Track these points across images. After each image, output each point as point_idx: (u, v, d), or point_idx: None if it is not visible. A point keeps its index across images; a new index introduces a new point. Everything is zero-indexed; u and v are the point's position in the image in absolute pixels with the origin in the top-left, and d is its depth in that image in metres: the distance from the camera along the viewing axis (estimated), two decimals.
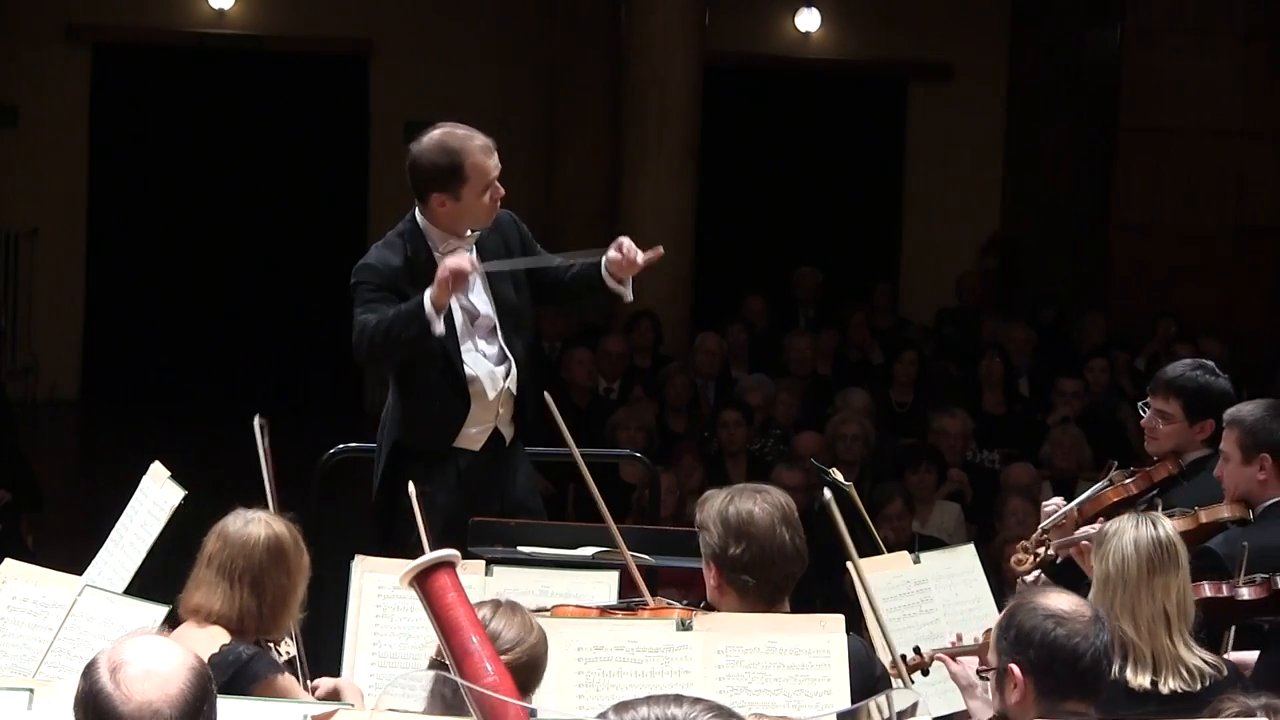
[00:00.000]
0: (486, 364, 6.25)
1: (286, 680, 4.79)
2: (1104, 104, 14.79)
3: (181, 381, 15.53)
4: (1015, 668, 4.04)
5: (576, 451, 5.32)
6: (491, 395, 6.23)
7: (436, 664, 4.12)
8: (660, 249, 6.12)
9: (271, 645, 4.99)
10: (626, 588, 5.33)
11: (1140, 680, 4.88)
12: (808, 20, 15.99)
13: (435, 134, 6.16)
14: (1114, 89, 14.72)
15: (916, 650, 5.10)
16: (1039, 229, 15.37)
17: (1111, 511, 6.25)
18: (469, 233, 6.20)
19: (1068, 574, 6.01)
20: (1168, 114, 14.48)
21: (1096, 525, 6.03)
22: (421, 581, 3.34)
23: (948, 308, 14.77)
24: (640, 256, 6.09)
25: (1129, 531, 5.05)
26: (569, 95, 14.57)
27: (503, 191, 6.17)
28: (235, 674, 4.64)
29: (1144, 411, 6.34)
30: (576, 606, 4.84)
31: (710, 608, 4.75)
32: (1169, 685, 4.87)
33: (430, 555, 3.37)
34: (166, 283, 15.65)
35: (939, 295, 15.00)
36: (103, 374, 15.63)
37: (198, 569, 4.94)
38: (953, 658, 5.00)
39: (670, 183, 12.67)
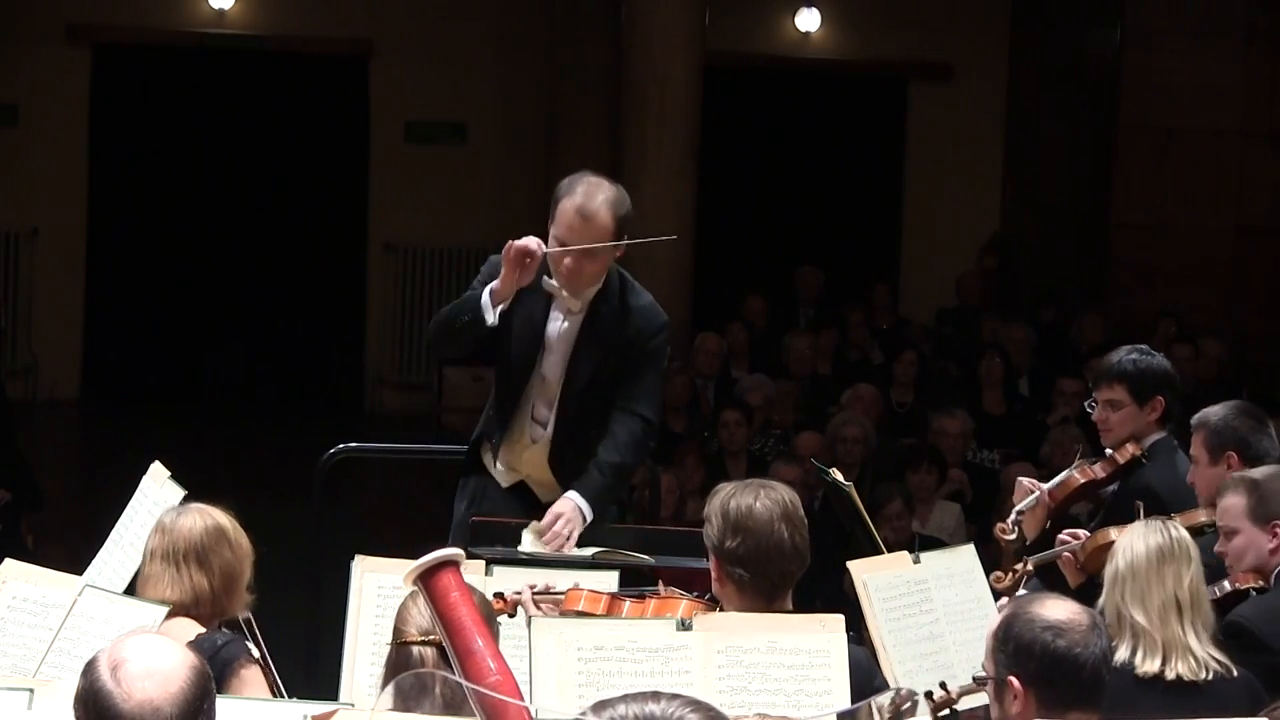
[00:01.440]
0: (527, 418, 6.19)
1: (253, 672, 4.84)
2: (1104, 104, 14.79)
3: (181, 382, 15.54)
4: (1015, 681, 4.01)
5: None
6: (519, 441, 6.21)
7: (395, 649, 4.13)
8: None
9: (236, 636, 5.05)
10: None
11: (1147, 667, 4.90)
12: (808, 20, 15.99)
13: (590, 175, 6.03)
14: (1114, 89, 14.72)
15: (943, 685, 5.06)
16: (1039, 229, 15.37)
17: (1078, 495, 6.31)
18: (574, 297, 6.04)
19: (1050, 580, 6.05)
20: (1168, 114, 14.49)
21: (1075, 537, 6.05)
22: (425, 580, 3.34)
23: (948, 308, 14.77)
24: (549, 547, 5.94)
25: (1138, 531, 5.10)
26: (569, 95, 14.57)
27: (573, 267, 5.93)
28: (211, 658, 4.68)
29: (1091, 409, 6.38)
30: (590, 592, 4.88)
31: (715, 600, 4.78)
32: (1175, 671, 4.89)
33: (434, 555, 3.36)
34: (166, 283, 15.66)
35: (939, 295, 15.00)
36: (103, 374, 15.64)
37: (143, 566, 5.04)
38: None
39: (670, 182, 12.66)
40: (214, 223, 15.71)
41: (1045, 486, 6.31)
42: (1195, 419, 6.02)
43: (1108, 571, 5.06)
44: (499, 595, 5.03)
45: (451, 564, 3.35)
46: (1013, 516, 6.26)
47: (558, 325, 6.12)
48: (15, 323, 15.37)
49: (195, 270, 15.69)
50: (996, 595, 5.73)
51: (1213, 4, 14.53)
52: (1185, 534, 5.10)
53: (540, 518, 6.00)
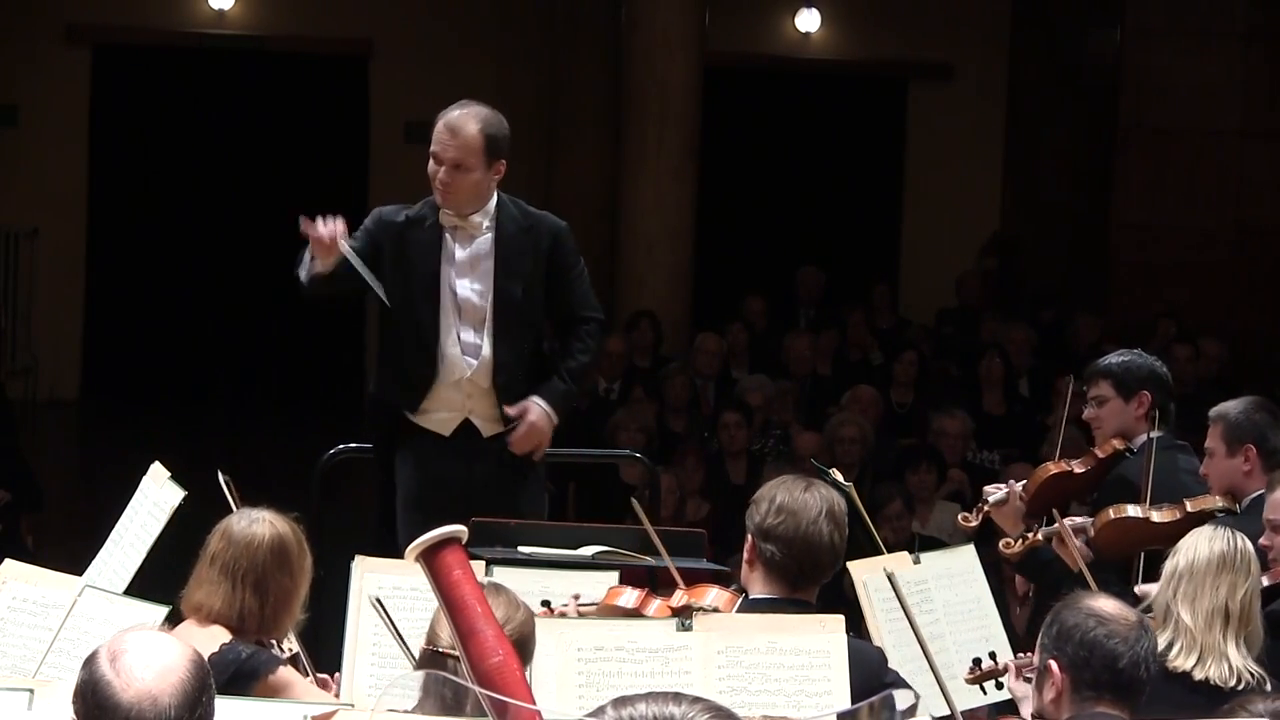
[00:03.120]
0: (456, 349, 6.34)
1: (287, 673, 4.79)
2: (1104, 104, 14.79)
3: (181, 381, 15.53)
4: (1053, 664, 4.07)
5: (655, 534, 5.38)
6: (450, 379, 6.32)
7: (428, 654, 4.12)
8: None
9: (274, 644, 4.99)
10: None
11: (1179, 663, 4.94)
12: (808, 20, 15.99)
13: (471, 101, 6.41)
14: (1114, 89, 14.72)
15: (992, 655, 5.09)
16: (1039, 229, 15.37)
17: (1050, 485, 6.32)
18: (469, 216, 6.31)
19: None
20: (1168, 114, 14.48)
21: (1083, 519, 6.07)
22: (428, 558, 3.32)
23: (948, 308, 14.77)
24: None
25: (1206, 533, 5.15)
26: (569, 95, 14.57)
27: (444, 179, 6.29)
28: (235, 672, 4.64)
29: (1085, 410, 6.44)
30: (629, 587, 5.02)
31: (742, 589, 4.82)
32: (1206, 673, 4.93)
33: (437, 531, 3.34)
34: (166, 282, 15.65)
35: (939, 295, 15.00)
36: (103, 374, 15.63)
37: (200, 567, 4.93)
38: (1018, 670, 5.01)
39: (670, 183, 12.67)
40: (214, 222, 15.71)
41: (1018, 483, 6.35)
42: (1213, 412, 6.07)
43: (1167, 567, 5.12)
44: (546, 604, 5.06)
45: (454, 541, 3.33)
46: (978, 503, 6.32)
47: (465, 250, 6.35)
48: (15, 323, 15.36)
49: (195, 270, 15.69)
50: (1005, 561, 5.77)
51: (1213, 4, 14.53)
52: (1249, 546, 5.13)
53: (487, 472, 6.29)
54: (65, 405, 15.42)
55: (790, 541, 4.71)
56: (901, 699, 3.89)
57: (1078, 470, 6.34)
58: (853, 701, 4.31)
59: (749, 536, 4.80)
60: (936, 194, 15.98)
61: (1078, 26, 15.20)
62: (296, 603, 4.95)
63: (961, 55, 15.89)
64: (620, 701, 2.51)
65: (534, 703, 3.21)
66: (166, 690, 3.16)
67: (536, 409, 6.28)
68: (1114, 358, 6.44)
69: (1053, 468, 6.35)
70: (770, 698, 4.31)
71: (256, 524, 4.93)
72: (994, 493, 6.32)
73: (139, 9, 15.39)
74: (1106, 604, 4.17)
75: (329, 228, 6.13)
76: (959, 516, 6.49)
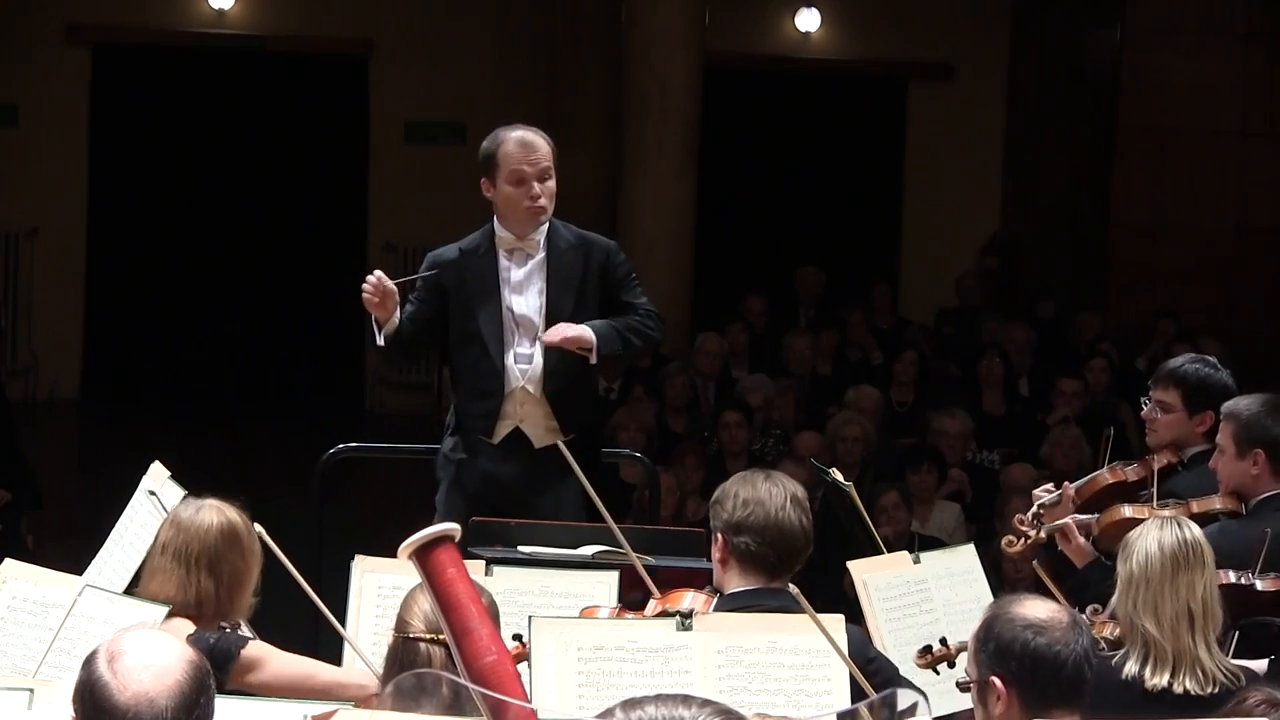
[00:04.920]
0: (511, 360, 6.49)
1: (258, 646, 4.88)
2: (1104, 104, 14.79)
3: (181, 381, 15.54)
4: (997, 680, 4.01)
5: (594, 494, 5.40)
6: (509, 391, 6.47)
7: (400, 642, 4.13)
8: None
9: (235, 627, 5.06)
10: (628, 588, 5.33)
11: (1156, 680, 4.88)
12: (808, 20, 16.00)
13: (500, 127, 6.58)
14: (1114, 89, 14.72)
15: (943, 641, 5.09)
16: (1039, 229, 15.37)
17: (1106, 495, 6.23)
18: (529, 237, 6.45)
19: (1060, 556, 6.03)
20: (1168, 114, 14.48)
21: (1086, 516, 6.04)
22: (421, 557, 3.32)
23: (948, 308, 14.77)
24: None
25: (1153, 532, 5.05)
26: (569, 95, 14.56)
27: (538, 192, 6.38)
28: (207, 658, 4.68)
29: (1145, 405, 6.34)
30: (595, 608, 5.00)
31: (717, 590, 4.82)
32: (1184, 686, 4.88)
33: (430, 529, 3.34)
34: (167, 282, 15.66)
35: (939, 295, 15.00)
36: (103, 374, 15.64)
37: (152, 558, 5.05)
38: None
39: (670, 182, 12.66)
40: (214, 223, 15.71)
41: (1070, 486, 6.26)
42: (1225, 408, 5.98)
43: (1120, 572, 5.03)
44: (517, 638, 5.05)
45: (448, 539, 3.32)
46: (1034, 509, 6.20)
47: (521, 270, 6.51)
48: (15, 323, 15.36)
49: (195, 270, 15.69)
50: (1007, 560, 5.71)
51: (1212, 4, 14.53)
52: (1198, 534, 5.06)
53: (530, 473, 6.40)
54: (65, 405, 15.42)
55: (763, 530, 4.75)
56: (903, 699, 3.88)
57: (1132, 479, 6.19)
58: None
59: (717, 536, 4.82)
60: (936, 194, 15.99)
61: (1078, 26, 15.20)
62: (250, 584, 5.06)
63: (961, 55, 15.89)
64: (629, 704, 2.51)
65: (529, 701, 3.21)
66: (164, 692, 3.17)
67: (582, 325, 6.43)
68: (1190, 365, 6.26)
69: (1109, 476, 6.19)
70: (770, 697, 4.31)
71: (204, 511, 5.06)
72: (1041, 497, 6.21)
73: (139, 9, 15.40)
74: (1037, 609, 4.06)
75: (373, 279, 6.45)
76: (1016, 519, 6.19)
